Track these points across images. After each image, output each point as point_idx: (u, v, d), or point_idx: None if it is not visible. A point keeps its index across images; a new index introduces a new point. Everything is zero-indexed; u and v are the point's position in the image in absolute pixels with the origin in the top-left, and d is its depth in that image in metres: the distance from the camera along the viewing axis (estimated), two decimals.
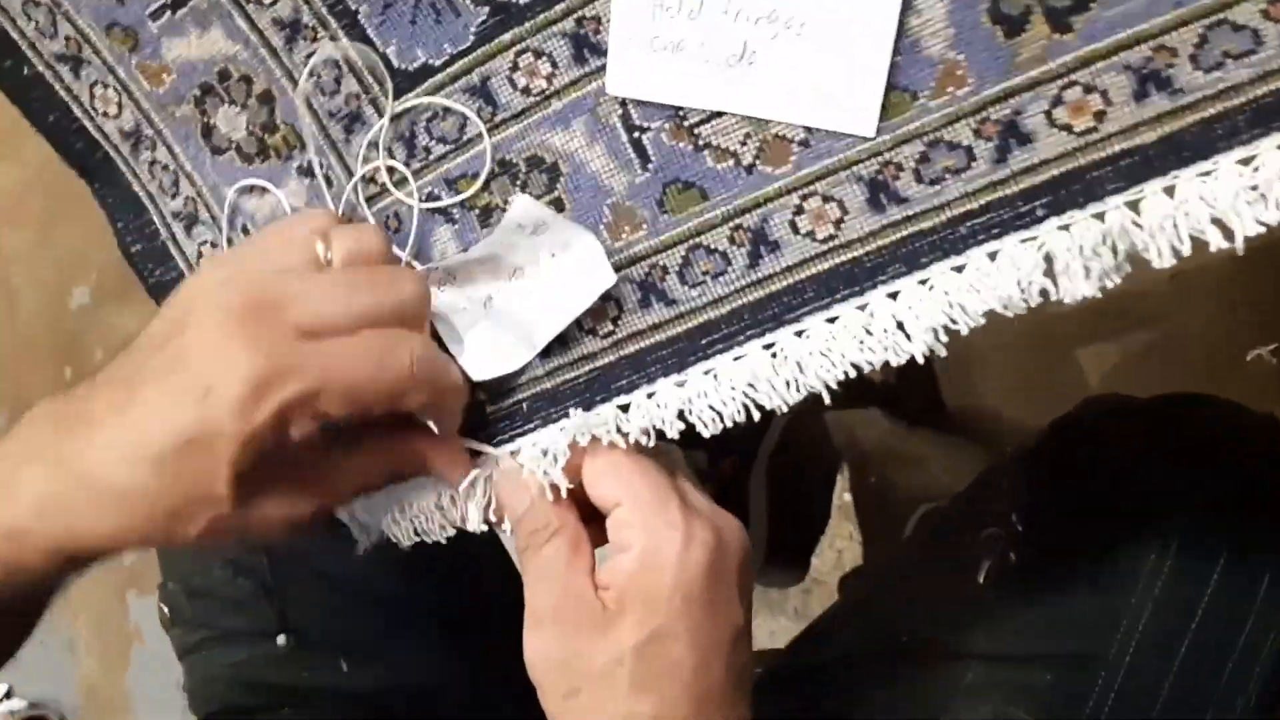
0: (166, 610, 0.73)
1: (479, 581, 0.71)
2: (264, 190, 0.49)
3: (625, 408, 0.43)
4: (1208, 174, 0.33)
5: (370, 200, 0.47)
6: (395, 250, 0.46)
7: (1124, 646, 0.48)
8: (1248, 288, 0.86)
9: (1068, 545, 0.52)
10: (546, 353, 0.44)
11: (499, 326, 0.43)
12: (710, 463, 0.97)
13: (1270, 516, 0.49)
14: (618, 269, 0.42)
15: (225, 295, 0.39)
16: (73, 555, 0.41)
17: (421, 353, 0.39)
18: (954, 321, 0.36)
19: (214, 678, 0.70)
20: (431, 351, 0.40)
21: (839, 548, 1.01)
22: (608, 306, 0.43)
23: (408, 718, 0.68)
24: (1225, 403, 0.54)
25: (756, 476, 0.98)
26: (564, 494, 0.42)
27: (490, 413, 0.46)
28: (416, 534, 0.50)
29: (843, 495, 1.01)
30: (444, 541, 0.49)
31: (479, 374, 0.44)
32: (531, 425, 0.45)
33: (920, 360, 0.38)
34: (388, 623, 0.71)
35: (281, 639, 0.70)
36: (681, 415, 0.41)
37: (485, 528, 0.47)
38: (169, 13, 0.48)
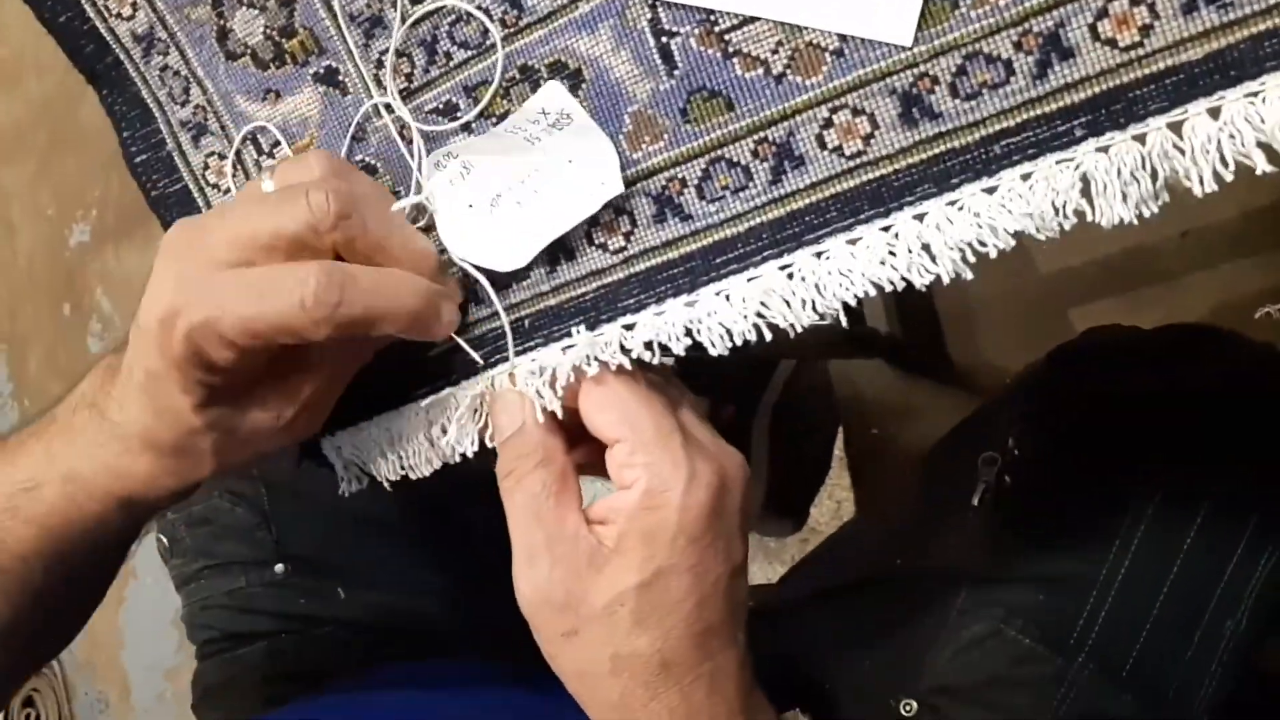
0: (165, 541, 0.74)
1: (473, 509, 0.71)
2: (277, 98, 0.48)
3: (630, 327, 0.41)
4: (1255, 95, 0.32)
5: (387, 109, 0.45)
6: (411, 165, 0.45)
7: (1116, 567, 0.49)
8: (1256, 245, 0.86)
9: (1064, 470, 0.52)
10: (553, 268, 0.43)
11: (501, 226, 0.42)
12: (711, 410, 0.96)
13: (1266, 449, 0.49)
14: (634, 181, 0.41)
15: (173, 229, 0.41)
16: (124, 499, 0.43)
17: (317, 287, 0.37)
18: (983, 243, 0.35)
19: (212, 605, 0.71)
20: (338, 292, 0.38)
21: (838, 499, 1.00)
22: (620, 221, 0.41)
23: (403, 644, 0.68)
24: (1226, 333, 0.54)
25: (759, 426, 0.98)
26: (559, 415, 0.42)
27: (490, 329, 0.45)
28: (402, 469, 0.49)
29: (844, 447, 1.01)
30: (426, 475, 0.49)
31: (482, 264, 0.43)
32: (532, 343, 0.44)
33: (946, 280, 0.37)
34: (384, 550, 0.71)
35: (279, 567, 0.71)
36: (689, 333, 0.40)
37: (476, 448, 0.46)
38: None
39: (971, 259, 0.36)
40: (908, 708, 0.52)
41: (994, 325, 0.94)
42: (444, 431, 0.46)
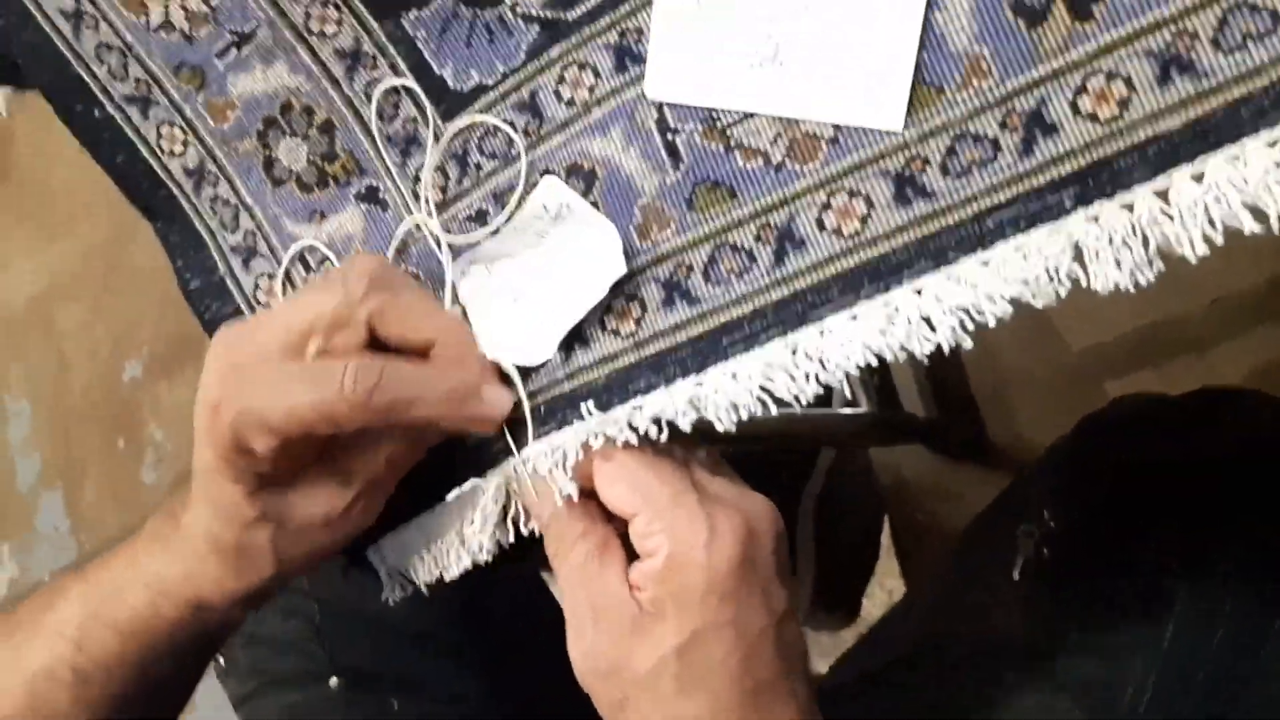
0: (221, 660, 0.74)
1: (521, 611, 0.71)
2: (322, 218, 0.51)
3: (640, 406, 0.42)
4: (1236, 158, 0.33)
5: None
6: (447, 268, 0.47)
7: (1159, 635, 0.48)
8: None
9: (1098, 542, 0.52)
10: (568, 354, 0.44)
11: (524, 321, 0.44)
12: None
13: None
14: (644, 269, 0.42)
15: (220, 330, 0.44)
16: (196, 604, 0.45)
17: (359, 377, 0.40)
18: (980, 312, 0.36)
19: None
20: (375, 375, 0.40)
21: (889, 587, 1.00)
22: (631, 306, 0.43)
23: None
24: (1247, 394, 0.54)
25: (803, 518, 0.98)
26: (574, 499, 0.42)
27: (511, 417, 0.45)
28: (437, 569, 0.50)
29: (890, 535, 1.01)
30: (456, 575, 0.49)
31: (511, 362, 0.45)
32: (546, 429, 0.45)
33: (946, 350, 0.37)
34: (435, 659, 0.71)
35: (333, 681, 0.71)
36: (695, 406, 0.40)
37: (511, 539, 0.47)
38: (235, 50, 0.50)
39: (970, 327, 0.36)
40: None
41: (1031, 404, 0.94)
42: (473, 523, 0.47)
